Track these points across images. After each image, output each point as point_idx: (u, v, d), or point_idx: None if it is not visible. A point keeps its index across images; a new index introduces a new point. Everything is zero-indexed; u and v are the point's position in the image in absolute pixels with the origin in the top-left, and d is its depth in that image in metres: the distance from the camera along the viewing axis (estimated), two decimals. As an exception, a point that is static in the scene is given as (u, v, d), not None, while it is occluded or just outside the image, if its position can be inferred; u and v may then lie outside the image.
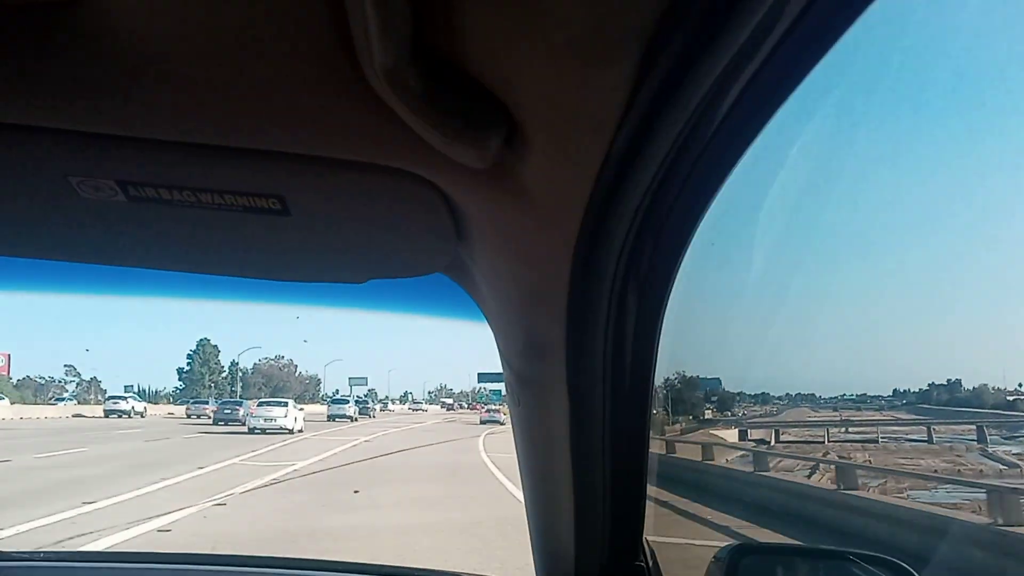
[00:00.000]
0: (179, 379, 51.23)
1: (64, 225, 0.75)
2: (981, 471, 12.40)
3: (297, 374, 56.68)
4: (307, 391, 53.04)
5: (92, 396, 47.24)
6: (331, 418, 28.66)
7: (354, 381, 55.24)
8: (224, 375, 51.35)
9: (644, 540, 0.91)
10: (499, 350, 0.92)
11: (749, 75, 0.48)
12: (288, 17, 0.44)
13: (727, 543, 0.88)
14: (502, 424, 30.06)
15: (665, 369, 0.85)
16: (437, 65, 0.46)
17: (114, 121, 0.55)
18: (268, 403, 21.99)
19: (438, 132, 0.49)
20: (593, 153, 0.53)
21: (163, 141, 0.57)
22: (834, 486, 8.15)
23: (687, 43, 0.44)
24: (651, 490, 0.91)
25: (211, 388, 48.16)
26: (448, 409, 55.49)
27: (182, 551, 4.22)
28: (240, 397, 36.35)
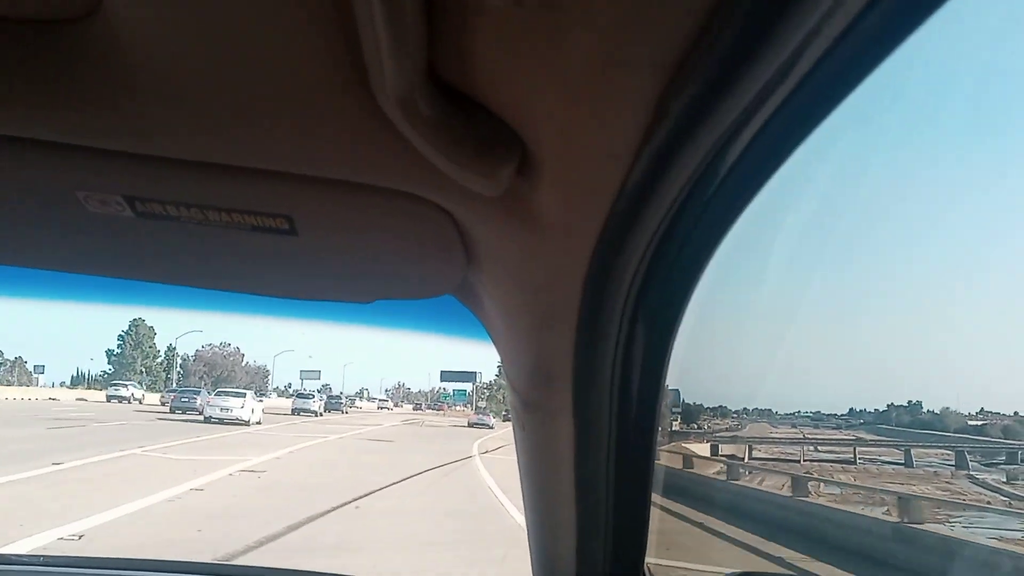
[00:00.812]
0: (108, 362, 49.53)
1: (71, 238, 0.78)
2: (988, 501, 12.05)
3: (244, 364, 55.17)
4: (254, 382, 51.03)
5: (15, 377, 45.35)
6: (295, 412, 29.34)
7: (306, 375, 54.68)
8: (159, 360, 49.55)
9: (645, 566, 0.96)
10: (505, 374, 0.95)
11: (769, 112, 0.50)
12: (301, 40, 0.46)
13: (730, 570, 0.94)
14: (491, 428, 30.39)
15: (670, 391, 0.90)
16: (450, 93, 0.49)
17: (122, 137, 0.58)
18: (225, 393, 22.52)
19: (450, 159, 0.51)
20: (608, 185, 0.56)
21: (172, 159, 0.60)
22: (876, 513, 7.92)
23: (706, 78, 0.45)
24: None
25: (142, 374, 46.78)
26: (416, 408, 56.18)
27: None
28: (178, 385, 36.62)
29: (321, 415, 30.46)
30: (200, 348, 53.50)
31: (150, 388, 41.69)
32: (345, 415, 34.72)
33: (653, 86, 0.46)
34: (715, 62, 0.44)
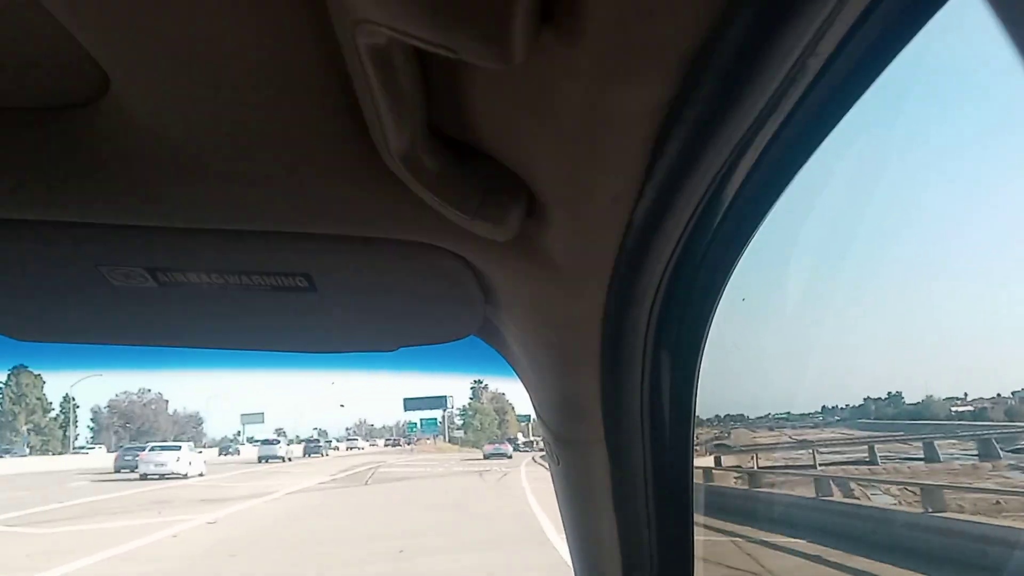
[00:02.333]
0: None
1: (97, 312, 0.85)
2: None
3: (171, 412, 52.88)
4: (184, 432, 49.11)
5: None
6: (262, 459, 31.13)
7: (248, 419, 52.12)
8: (53, 415, 44.18)
9: None
10: (534, 409, 1.03)
11: (764, 142, 0.57)
12: (305, 106, 0.52)
13: None
14: (510, 458, 29.51)
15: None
16: (452, 145, 0.55)
17: (140, 212, 0.65)
18: (160, 447, 24.27)
19: (457, 209, 0.57)
20: (615, 223, 0.63)
21: (190, 228, 0.67)
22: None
23: (701, 117, 0.50)
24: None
25: (28, 433, 41.90)
26: (389, 444, 54.33)
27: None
28: (92, 442, 36.93)
29: (289, 460, 32.15)
30: (114, 397, 49.28)
31: (39, 450, 39.33)
32: (324, 456, 36.57)
33: (648, 130, 0.51)
34: (706, 102, 0.49)
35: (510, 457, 30.48)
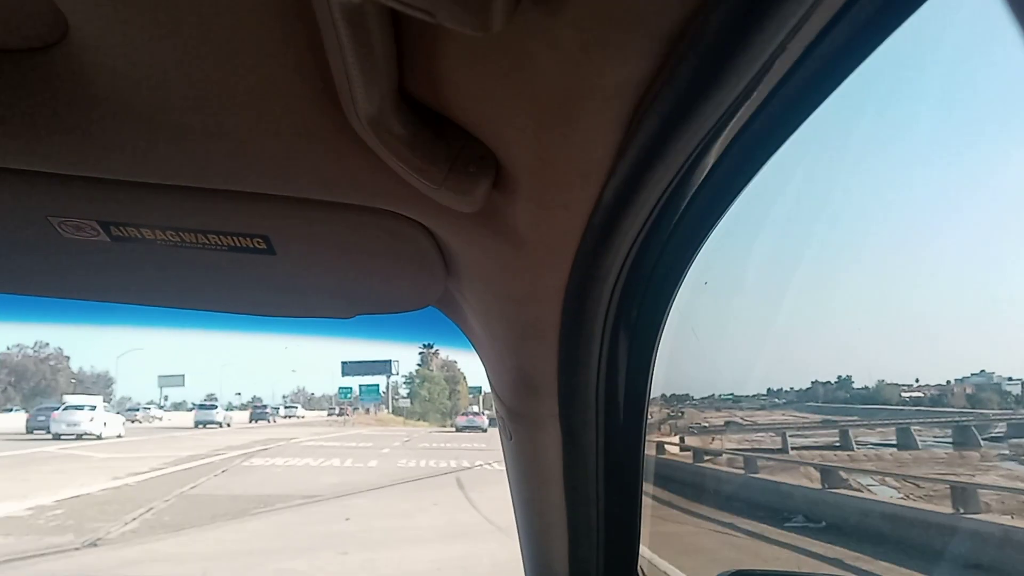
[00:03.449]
0: None
1: (46, 263, 0.86)
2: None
3: (77, 370, 50.34)
4: (90, 392, 47.28)
5: None
6: (199, 424, 31.35)
7: (166, 381, 49.87)
8: None
9: (639, 571, 1.13)
10: (490, 384, 1.09)
11: (738, 128, 0.61)
12: (272, 63, 0.53)
13: (725, 569, 1.08)
14: (485, 431, 25.82)
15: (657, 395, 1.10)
16: (422, 112, 0.57)
17: (95, 163, 0.67)
18: (73, 407, 24.33)
19: (424, 178, 0.60)
20: (583, 199, 0.66)
21: (145, 183, 0.69)
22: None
23: (676, 96, 0.52)
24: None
25: None
26: (338, 415, 49.43)
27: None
28: None
29: (229, 426, 32.14)
30: (4, 350, 45.85)
31: None
32: (271, 423, 36.84)
33: (622, 107, 0.53)
34: (681, 82, 0.51)
35: (484, 431, 26.80)
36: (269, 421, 38.75)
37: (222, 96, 0.57)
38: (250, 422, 36.61)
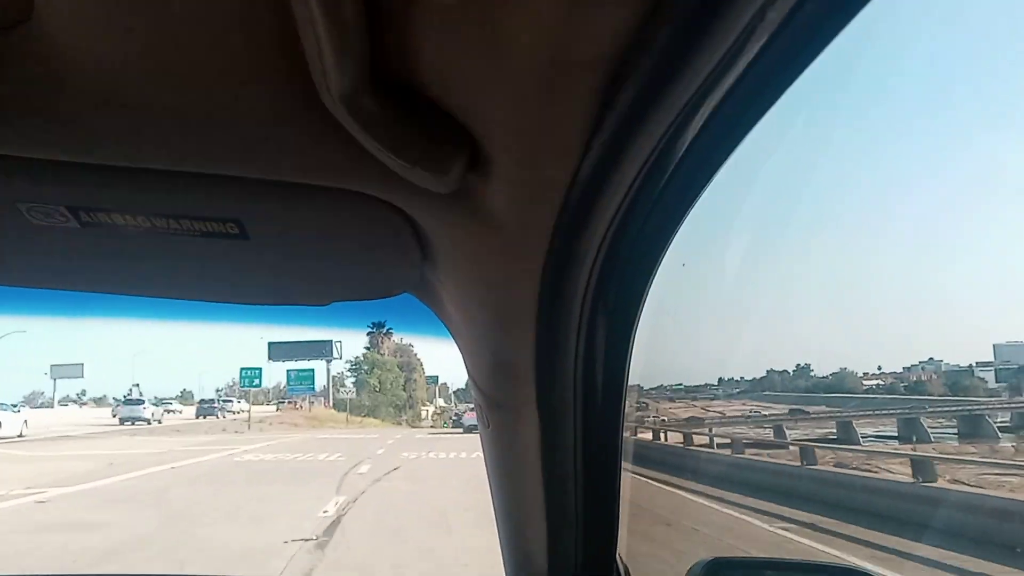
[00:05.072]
0: None
1: (14, 251, 0.86)
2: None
3: None
4: None
5: None
6: (124, 421, 29.87)
7: (60, 371, 44.87)
8: None
9: (618, 556, 1.16)
10: (468, 371, 1.11)
11: (715, 103, 0.63)
12: (241, 41, 0.54)
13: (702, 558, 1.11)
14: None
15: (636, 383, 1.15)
16: (396, 90, 0.58)
17: (63, 147, 0.67)
18: None
19: (398, 157, 0.61)
20: (559, 178, 0.67)
21: (115, 167, 0.69)
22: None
23: (651, 70, 0.54)
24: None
25: None
26: (285, 403, 43.71)
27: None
28: None
29: (159, 423, 31.04)
30: None
31: None
32: (221, 419, 35.20)
33: (599, 80, 0.54)
34: (659, 55, 0.52)
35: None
36: (217, 416, 37.17)
37: (191, 75, 0.57)
38: (197, 417, 35.36)
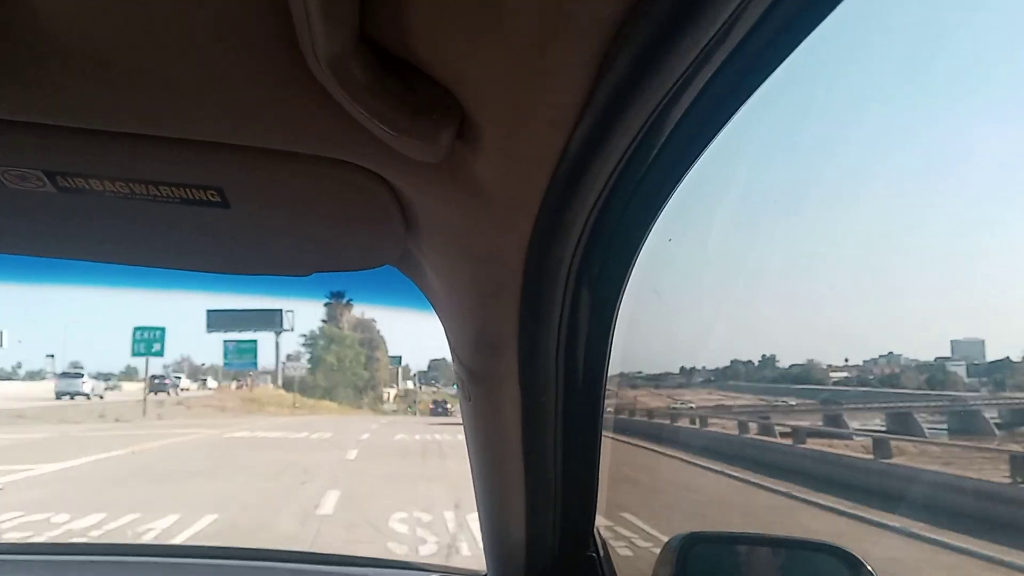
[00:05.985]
0: None
1: None
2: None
3: None
4: None
5: None
6: (60, 395, 27.52)
7: None
8: None
9: (596, 531, 1.19)
10: (450, 345, 1.11)
11: (710, 74, 0.63)
12: (225, 3, 0.53)
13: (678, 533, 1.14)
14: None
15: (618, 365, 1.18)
16: (384, 56, 0.57)
17: (40, 109, 0.66)
18: None
19: (385, 125, 0.60)
20: (549, 150, 0.67)
21: (93, 130, 0.68)
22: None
23: (648, 39, 0.54)
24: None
25: None
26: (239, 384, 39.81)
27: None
28: None
29: (101, 397, 29.21)
30: None
31: None
32: (174, 395, 33.02)
33: (592, 49, 0.54)
34: (654, 25, 0.52)
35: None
36: (169, 393, 34.31)
37: (174, 37, 0.56)
38: (150, 393, 31.06)
